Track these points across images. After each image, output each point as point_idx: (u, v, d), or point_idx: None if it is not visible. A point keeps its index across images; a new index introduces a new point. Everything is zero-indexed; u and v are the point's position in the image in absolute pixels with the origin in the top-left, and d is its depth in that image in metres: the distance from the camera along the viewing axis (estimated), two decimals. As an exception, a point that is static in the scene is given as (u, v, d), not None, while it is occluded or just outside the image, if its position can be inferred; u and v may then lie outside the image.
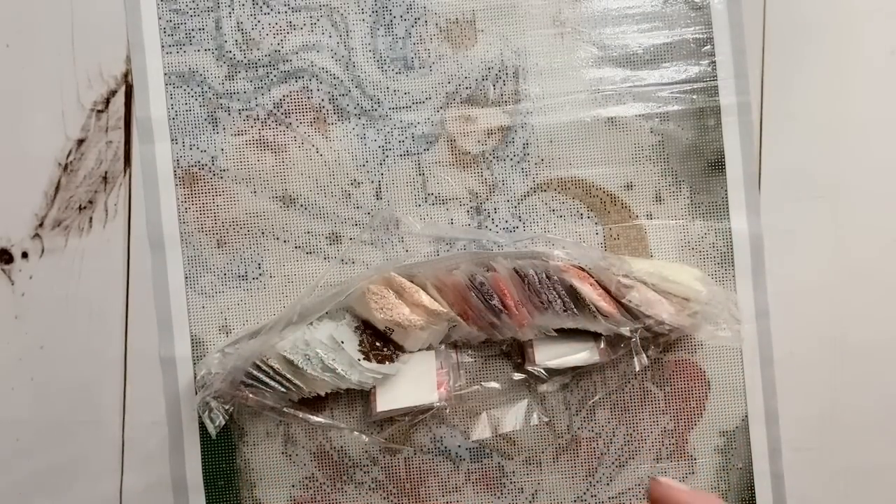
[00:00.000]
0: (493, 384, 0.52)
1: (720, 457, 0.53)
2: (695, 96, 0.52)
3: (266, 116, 0.52)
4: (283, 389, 0.49)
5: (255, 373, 0.49)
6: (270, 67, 0.52)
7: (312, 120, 0.52)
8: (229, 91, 0.52)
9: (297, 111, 0.52)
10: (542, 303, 0.49)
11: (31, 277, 0.52)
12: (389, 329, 0.50)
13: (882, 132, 0.53)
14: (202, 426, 0.52)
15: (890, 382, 0.53)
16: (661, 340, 0.51)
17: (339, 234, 0.52)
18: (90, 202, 0.52)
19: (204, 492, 0.52)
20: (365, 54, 0.52)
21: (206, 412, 0.50)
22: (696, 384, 0.53)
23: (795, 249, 0.53)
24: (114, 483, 0.52)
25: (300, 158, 0.52)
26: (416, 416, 0.51)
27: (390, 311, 0.49)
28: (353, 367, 0.49)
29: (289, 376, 0.49)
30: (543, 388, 0.52)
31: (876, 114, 0.53)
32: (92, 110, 0.52)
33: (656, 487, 0.36)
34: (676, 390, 0.53)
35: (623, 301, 0.49)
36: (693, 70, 0.52)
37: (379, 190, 0.52)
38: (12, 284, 0.52)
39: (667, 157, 0.53)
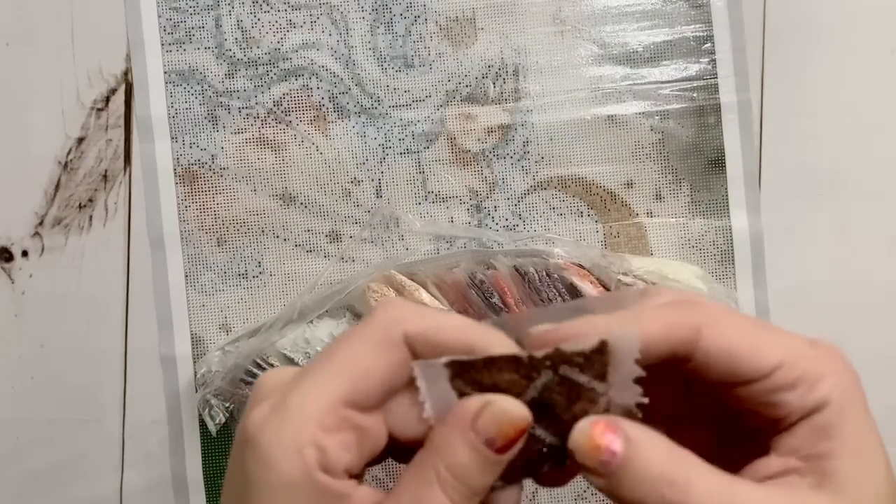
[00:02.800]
0: (494, 382, 0.52)
1: (720, 455, 0.53)
2: (695, 94, 0.52)
3: (266, 115, 0.52)
4: (283, 387, 0.49)
5: (255, 371, 0.49)
6: (270, 66, 0.52)
7: (312, 118, 0.52)
8: (229, 89, 0.52)
9: (297, 109, 0.52)
10: (542, 301, 0.49)
11: (31, 276, 0.52)
12: (390, 327, 0.49)
13: (883, 130, 0.53)
14: (203, 424, 0.51)
15: (891, 381, 0.53)
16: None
17: (339, 233, 0.52)
18: (90, 200, 0.52)
19: (204, 490, 0.52)
20: (365, 52, 0.52)
21: (207, 410, 0.50)
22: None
23: (796, 247, 0.53)
24: (114, 481, 0.52)
25: (300, 156, 0.52)
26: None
27: (390, 309, 0.49)
28: (353, 365, 0.49)
29: (289, 374, 0.49)
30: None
31: (877, 111, 0.53)
32: (92, 108, 0.52)
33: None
34: (677, 388, 0.53)
35: (623, 299, 0.49)
36: (693, 68, 0.52)
37: (379, 188, 0.52)
38: (12, 283, 0.52)
39: (667, 154, 0.53)
